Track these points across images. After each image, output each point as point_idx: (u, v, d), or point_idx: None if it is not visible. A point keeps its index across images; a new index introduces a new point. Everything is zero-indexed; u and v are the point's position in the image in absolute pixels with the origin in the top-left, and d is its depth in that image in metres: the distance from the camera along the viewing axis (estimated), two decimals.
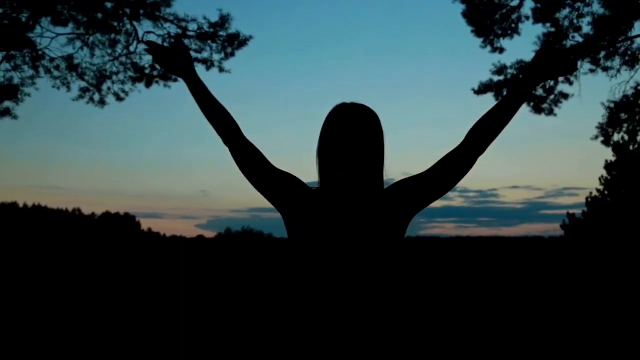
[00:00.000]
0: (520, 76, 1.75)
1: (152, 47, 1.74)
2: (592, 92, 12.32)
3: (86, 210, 71.92)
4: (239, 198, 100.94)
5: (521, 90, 1.66)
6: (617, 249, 10.18)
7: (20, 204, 55.47)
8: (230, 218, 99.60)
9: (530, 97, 9.86)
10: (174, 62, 1.72)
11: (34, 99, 10.52)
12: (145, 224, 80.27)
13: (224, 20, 9.80)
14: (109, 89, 10.60)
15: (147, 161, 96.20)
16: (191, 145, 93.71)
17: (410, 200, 1.70)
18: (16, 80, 10.09)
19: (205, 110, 1.75)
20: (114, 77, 10.49)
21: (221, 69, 10.19)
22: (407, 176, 1.74)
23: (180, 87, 10.55)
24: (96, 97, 10.61)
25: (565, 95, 11.00)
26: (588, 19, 10.06)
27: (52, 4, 9.12)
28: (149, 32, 9.92)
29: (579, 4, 9.94)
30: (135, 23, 9.87)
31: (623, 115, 11.12)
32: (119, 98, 10.65)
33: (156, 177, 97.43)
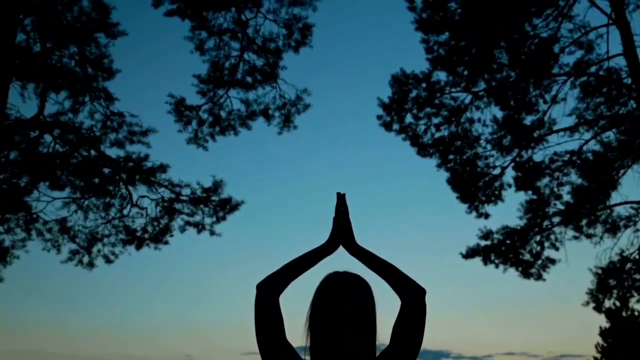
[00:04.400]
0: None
1: (343, 210, 1.83)
2: (579, 257, 12.35)
3: None
4: None
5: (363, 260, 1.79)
6: None
7: None
8: None
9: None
10: (346, 230, 1.80)
11: (20, 259, 10.38)
12: None
13: (217, 185, 10.10)
14: (99, 251, 10.55)
15: (132, 325, 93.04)
16: (177, 309, 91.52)
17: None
18: (7, 243, 10.07)
19: (300, 268, 1.76)
20: (105, 240, 10.52)
21: (212, 233, 10.30)
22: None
23: (169, 250, 10.57)
24: (85, 259, 10.52)
25: (552, 261, 11.06)
26: (568, 188, 10.47)
27: (52, 169, 9.40)
28: (143, 196, 10.15)
29: (558, 173, 10.39)
30: (130, 188, 10.14)
31: (612, 282, 11.07)
32: (108, 260, 10.57)
33: (139, 341, 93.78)
